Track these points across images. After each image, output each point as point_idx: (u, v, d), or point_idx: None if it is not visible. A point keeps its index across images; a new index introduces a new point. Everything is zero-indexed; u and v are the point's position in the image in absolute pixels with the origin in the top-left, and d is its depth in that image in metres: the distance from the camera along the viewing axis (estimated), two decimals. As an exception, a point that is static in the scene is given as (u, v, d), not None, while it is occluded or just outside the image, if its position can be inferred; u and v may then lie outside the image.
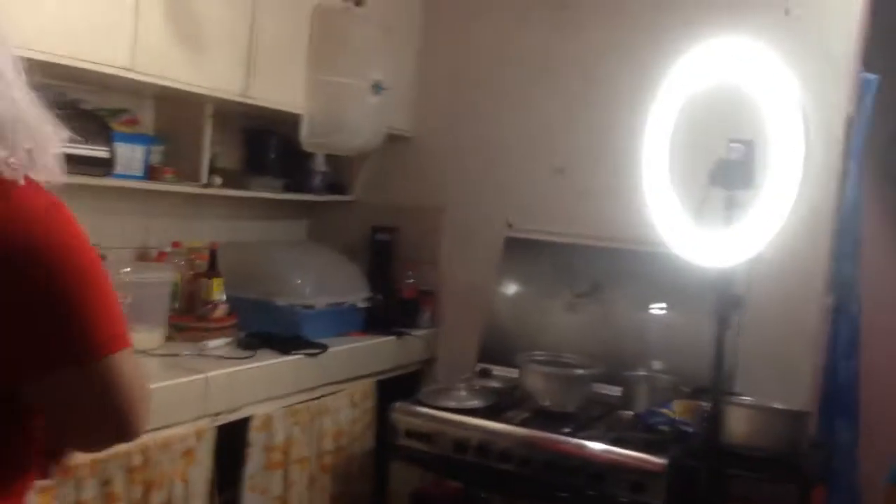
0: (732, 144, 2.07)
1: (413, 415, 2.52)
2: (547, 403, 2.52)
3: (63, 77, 2.26)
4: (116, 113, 2.54)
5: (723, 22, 2.65)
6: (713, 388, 2.07)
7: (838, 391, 2.94)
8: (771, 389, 2.56)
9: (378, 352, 2.95)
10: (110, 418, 0.98)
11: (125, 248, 2.68)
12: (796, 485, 2.27)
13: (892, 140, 3.30)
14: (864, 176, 3.04)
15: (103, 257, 2.49)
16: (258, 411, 2.37)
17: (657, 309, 2.80)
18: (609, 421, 2.51)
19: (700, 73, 2.16)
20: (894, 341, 3.35)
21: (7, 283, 0.91)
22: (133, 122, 2.60)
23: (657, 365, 2.68)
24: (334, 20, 2.81)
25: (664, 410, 2.43)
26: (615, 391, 2.65)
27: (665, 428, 2.38)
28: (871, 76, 2.94)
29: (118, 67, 2.14)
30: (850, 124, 2.78)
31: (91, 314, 0.96)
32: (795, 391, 2.63)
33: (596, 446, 2.31)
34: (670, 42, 2.62)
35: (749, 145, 2.07)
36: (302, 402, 2.54)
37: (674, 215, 2.18)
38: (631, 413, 2.53)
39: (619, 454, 2.27)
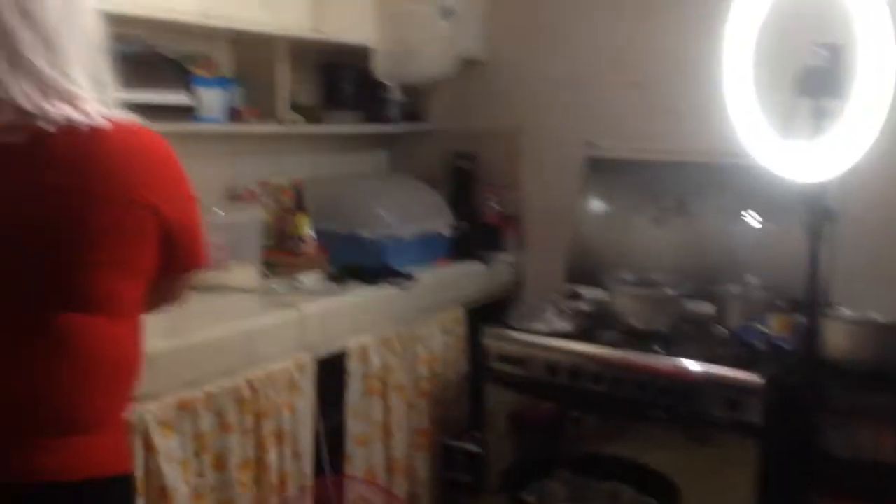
0: (817, 49, 1.96)
1: (504, 339, 2.55)
2: (637, 324, 2.52)
3: (139, 25, 2.29)
4: (194, 58, 2.57)
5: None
6: (808, 303, 2.02)
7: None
8: (870, 301, 2.48)
9: (465, 278, 2.99)
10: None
11: (214, 190, 2.75)
12: (899, 397, 2.22)
13: None
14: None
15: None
16: (353, 343, 2.44)
17: (748, 219, 2.73)
18: (702, 339, 2.49)
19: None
20: None
21: (146, 212, 1.23)
22: (211, 65, 2.63)
23: (750, 279, 2.63)
24: (401, -55, 2.77)
25: (760, 326, 2.39)
26: (707, 308, 2.62)
27: (761, 344, 2.35)
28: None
29: (193, 14, 2.16)
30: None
31: (201, 237, 1.35)
32: (894, 301, 2.55)
33: (689, 364, 2.30)
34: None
35: (835, 50, 1.95)
36: (394, 332, 2.61)
37: (760, 127, 2.10)
38: (725, 330, 2.50)
39: (714, 372, 2.25)
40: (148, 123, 1.25)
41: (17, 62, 1.13)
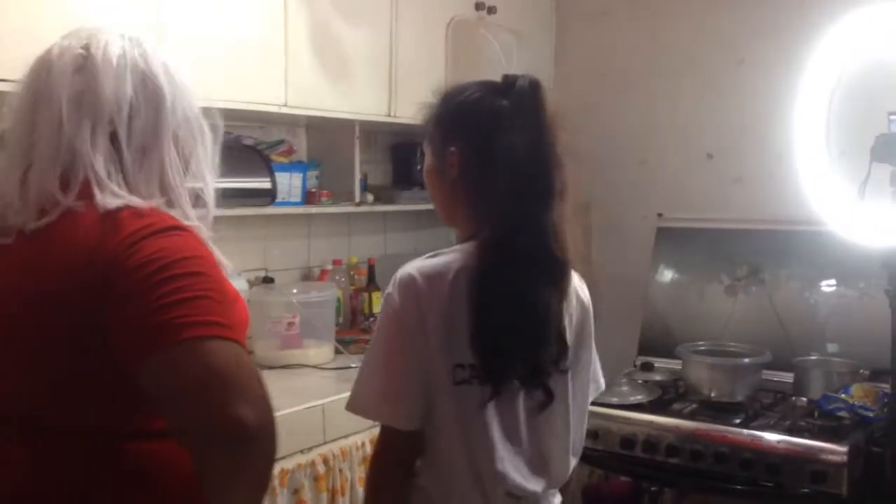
0: (893, 117, 1.97)
1: (577, 413, 2.53)
2: (713, 394, 2.47)
3: (223, 117, 2.43)
4: (275, 145, 2.71)
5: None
6: (892, 370, 1.97)
7: None
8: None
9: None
10: (198, 403, 1.01)
11: (291, 270, 2.85)
12: None
13: None
14: None
15: (271, 280, 2.68)
16: (426, 417, 2.45)
17: (826, 288, 2.68)
18: (782, 409, 2.43)
19: (851, 46, 2.06)
20: None
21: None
22: (290, 151, 2.77)
23: (830, 348, 2.57)
24: (468, 31, 2.88)
25: (842, 396, 2.32)
26: (786, 378, 2.56)
27: (844, 414, 2.28)
28: None
29: (275, 105, 2.30)
30: None
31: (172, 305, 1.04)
32: None
33: (770, 436, 2.24)
34: (818, 17, 2.51)
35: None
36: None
37: (835, 194, 2.09)
38: (805, 400, 2.43)
39: (796, 444, 2.20)
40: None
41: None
